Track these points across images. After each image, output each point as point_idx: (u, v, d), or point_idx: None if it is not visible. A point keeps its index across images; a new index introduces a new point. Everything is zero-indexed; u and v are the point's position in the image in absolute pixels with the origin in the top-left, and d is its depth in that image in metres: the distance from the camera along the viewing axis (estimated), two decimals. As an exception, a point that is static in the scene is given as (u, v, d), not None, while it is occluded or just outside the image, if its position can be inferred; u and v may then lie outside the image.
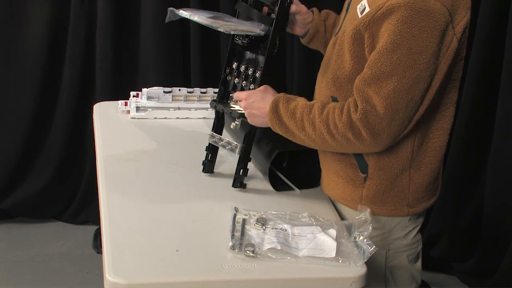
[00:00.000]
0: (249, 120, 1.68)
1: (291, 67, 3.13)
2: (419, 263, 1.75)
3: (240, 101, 1.69)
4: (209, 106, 2.03)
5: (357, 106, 1.51)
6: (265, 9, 1.72)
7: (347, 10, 1.65)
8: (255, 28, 1.69)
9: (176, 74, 3.21)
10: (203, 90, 2.38)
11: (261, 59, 1.72)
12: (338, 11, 1.81)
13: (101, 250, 1.50)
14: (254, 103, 1.65)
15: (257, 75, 1.72)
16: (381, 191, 1.64)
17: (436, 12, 1.45)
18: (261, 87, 1.68)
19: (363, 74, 1.51)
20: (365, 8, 1.52)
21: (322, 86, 1.68)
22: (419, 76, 1.47)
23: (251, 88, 1.73)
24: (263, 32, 1.69)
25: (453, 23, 1.49)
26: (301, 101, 1.61)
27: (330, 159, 1.69)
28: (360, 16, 1.52)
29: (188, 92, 2.37)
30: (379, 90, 1.48)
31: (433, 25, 1.45)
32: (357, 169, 1.64)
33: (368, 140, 1.51)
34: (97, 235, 3.17)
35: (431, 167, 1.65)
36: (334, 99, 1.62)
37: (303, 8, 1.77)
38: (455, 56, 1.53)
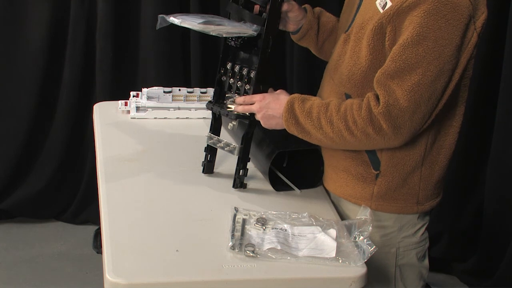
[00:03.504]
0: (262, 123, 1.67)
1: (291, 67, 3.14)
2: (426, 261, 1.75)
3: (253, 103, 1.68)
4: (209, 106, 2.03)
5: (378, 100, 1.50)
6: (257, 7, 1.71)
7: (358, 6, 1.64)
8: (247, 29, 1.69)
9: (176, 74, 3.21)
10: (203, 90, 2.38)
11: (255, 59, 1.71)
12: (338, 10, 1.81)
13: (101, 250, 1.50)
14: (270, 104, 1.65)
15: (252, 75, 1.72)
16: (393, 188, 1.64)
17: (462, 5, 1.45)
18: (278, 91, 1.69)
19: (385, 67, 1.50)
20: (386, 3, 1.52)
21: (334, 84, 1.67)
22: (442, 69, 1.48)
23: (246, 88, 1.73)
24: (255, 33, 1.69)
25: (474, 18, 1.49)
26: (316, 100, 1.60)
27: (340, 156, 1.68)
28: (381, 11, 1.52)
29: (188, 92, 2.37)
30: (402, 83, 1.48)
31: (458, 18, 1.46)
32: (369, 166, 1.64)
33: (389, 133, 1.51)
34: (97, 235, 3.17)
35: (441, 164, 1.65)
36: (348, 96, 1.62)
37: (295, 5, 1.77)
38: (472, 52, 1.53)
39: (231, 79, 1.77)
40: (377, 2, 1.55)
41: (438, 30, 1.45)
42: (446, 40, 1.46)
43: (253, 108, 1.68)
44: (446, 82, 1.50)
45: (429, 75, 1.47)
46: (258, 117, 1.68)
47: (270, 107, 1.65)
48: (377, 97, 1.51)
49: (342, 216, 1.70)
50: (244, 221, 1.59)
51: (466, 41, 1.50)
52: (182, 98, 2.36)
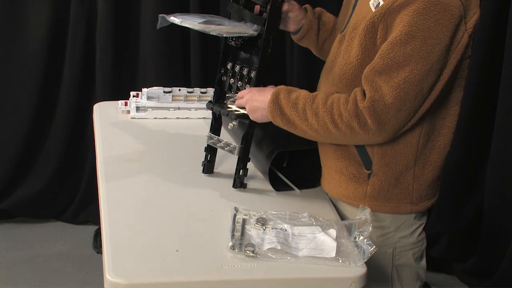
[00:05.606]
0: (250, 115, 1.68)
1: (291, 67, 3.14)
2: (423, 262, 1.76)
3: (242, 98, 1.69)
4: (209, 106, 2.03)
5: (365, 95, 1.51)
6: (257, 7, 1.72)
7: (354, 7, 1.65)
8: (247, 29, 1.69)
9: (176, 74, 3.21)
10: (203, 90, 2.38)
11: (256, 59, 1.72)
12: (338, 10, 1.81)
13: (101, 250, 1.50)
14: (255, 95, 1.65)
15: (252, 75, 1.72)
16: (385, 188, 1.64)
17: (452, 5, 1.46)
18: (267, 86, 1.68)
19: (373, 64, 1.51)
20: (379, 3, 1.53)
21: (327, 84, 1.67)
22: (430, 68, 1.48)
23: (247, 88, 1.73)
24: (256, 33, 1.69)
25: (466, 19, 1.50)
26: (303, 92, 1.61)
27: (332, 156, 1.68)
28: (374, 10, 1.53)
29: (188, 92, 2.37)
30: (390, 79, 1.48)
31: (448, 18, 1.46)
32: (361, 166, 1.64)
33: (373, 129, 1.51)
34: (97, 235, 3.18)
35: (435, 165, 1.65)
36: None
37: (295, 5, 1.77)
38: (464, 52, 1.53)
39: (232, 79, 1.77)
40: (370, 3, 1.56)
41: (427, 30, 1.46)
42: (435, 40, 1.47)
43: (242, 102, 1.69)
44: (434, 82, 1.51)
45: (416, 73, 1.48)
46: (246, 110, 1.68)
47: (255, 99, 1.65)
48: (364, 92, 1.52)
49: (340, 217, 1.70)
50: (244, 221, 1.59)
51: (456, 41, 1.50)
52: (182, 98, 2.37)
